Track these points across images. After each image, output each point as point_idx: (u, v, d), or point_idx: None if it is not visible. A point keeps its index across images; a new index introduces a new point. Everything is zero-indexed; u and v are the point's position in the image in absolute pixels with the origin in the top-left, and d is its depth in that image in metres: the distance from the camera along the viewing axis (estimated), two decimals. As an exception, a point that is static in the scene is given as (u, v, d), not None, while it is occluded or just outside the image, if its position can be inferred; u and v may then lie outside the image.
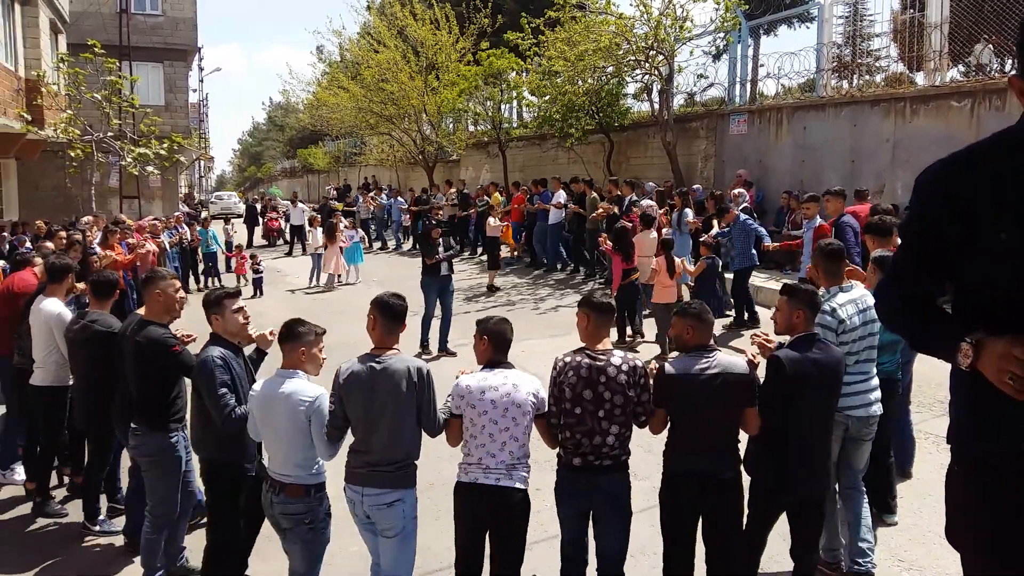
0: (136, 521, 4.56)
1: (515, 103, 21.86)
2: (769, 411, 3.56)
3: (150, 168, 19.76)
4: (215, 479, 3.94)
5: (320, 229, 16.26)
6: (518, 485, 3.47)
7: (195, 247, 15.85)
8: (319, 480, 3.64)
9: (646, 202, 12.17)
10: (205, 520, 4.36)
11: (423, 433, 3.59)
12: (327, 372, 3.74)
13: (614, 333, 9.05)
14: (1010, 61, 11.50)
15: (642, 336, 9.65)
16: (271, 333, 4.13)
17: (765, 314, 10.29)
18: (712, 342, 3.66)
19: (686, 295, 9.44)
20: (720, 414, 3.51)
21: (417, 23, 21.04)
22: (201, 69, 46.91)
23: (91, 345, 4.74)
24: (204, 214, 23.18)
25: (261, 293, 14.71)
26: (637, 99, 17.68)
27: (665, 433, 3.69)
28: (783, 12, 16.89)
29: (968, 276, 1.93)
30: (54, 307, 5.24)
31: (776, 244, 10.13)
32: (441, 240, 9.47)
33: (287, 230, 22.48)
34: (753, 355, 3.74)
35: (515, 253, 16.88)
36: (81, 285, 5.93)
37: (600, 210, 13.11)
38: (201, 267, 16.37)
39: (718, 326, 9.30)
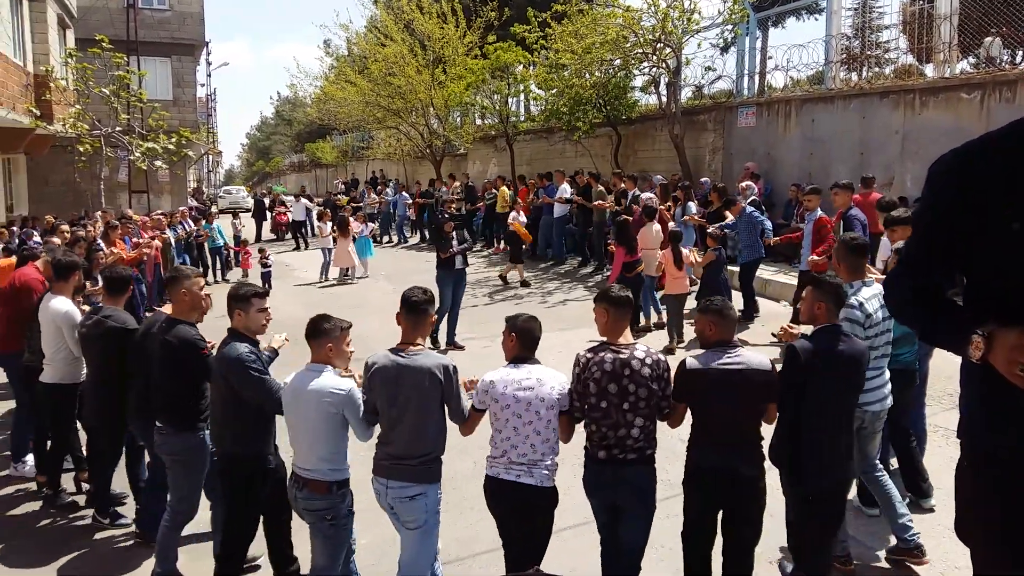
0: (150, 514, 4.60)
1: (522, 96, 21.80)
2: (782, 399, 3.58)
3: (159, 163, 19.86)
4: (230, 473, 3.97)
5: (329, 224, 16.28)
6: (539, 482, 3.49)
7: (202, 243, 15.84)
8: (343, 476, 3.67)
9: (646, 195, 12.13)
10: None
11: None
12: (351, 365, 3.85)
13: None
14: (1020, 53, 11.42)
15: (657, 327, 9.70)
16: (286, 339, 4.34)
17: (768, 307, 10.27)
18: (735, 338, 3.64)
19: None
20: (740, 410, 3.51)
21: (424, 17, 21.03)
22: (209, 64, 47.12)
23: (104, 341, 4.74)
24: (213, 209, 23.21)
25: (270, 287, 14.72)
26: (644, 92, 17.66)
27: (677, 427, 3.73)
28: (791, 4, 16.82)
29: (979, 267, 1.93)
30: (62, 305, 5.23)
31: (778, 239, 10.05)
32: (455, 234, 9.49)
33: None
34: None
35: (524, 247, 16.87)
36: (89, 284, 5.91)
37: (599, 202, 13.08)
38: (209, 262, 16.39)
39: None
